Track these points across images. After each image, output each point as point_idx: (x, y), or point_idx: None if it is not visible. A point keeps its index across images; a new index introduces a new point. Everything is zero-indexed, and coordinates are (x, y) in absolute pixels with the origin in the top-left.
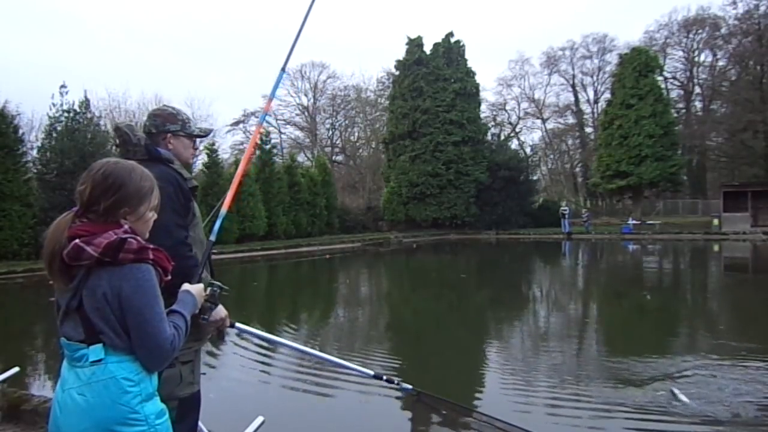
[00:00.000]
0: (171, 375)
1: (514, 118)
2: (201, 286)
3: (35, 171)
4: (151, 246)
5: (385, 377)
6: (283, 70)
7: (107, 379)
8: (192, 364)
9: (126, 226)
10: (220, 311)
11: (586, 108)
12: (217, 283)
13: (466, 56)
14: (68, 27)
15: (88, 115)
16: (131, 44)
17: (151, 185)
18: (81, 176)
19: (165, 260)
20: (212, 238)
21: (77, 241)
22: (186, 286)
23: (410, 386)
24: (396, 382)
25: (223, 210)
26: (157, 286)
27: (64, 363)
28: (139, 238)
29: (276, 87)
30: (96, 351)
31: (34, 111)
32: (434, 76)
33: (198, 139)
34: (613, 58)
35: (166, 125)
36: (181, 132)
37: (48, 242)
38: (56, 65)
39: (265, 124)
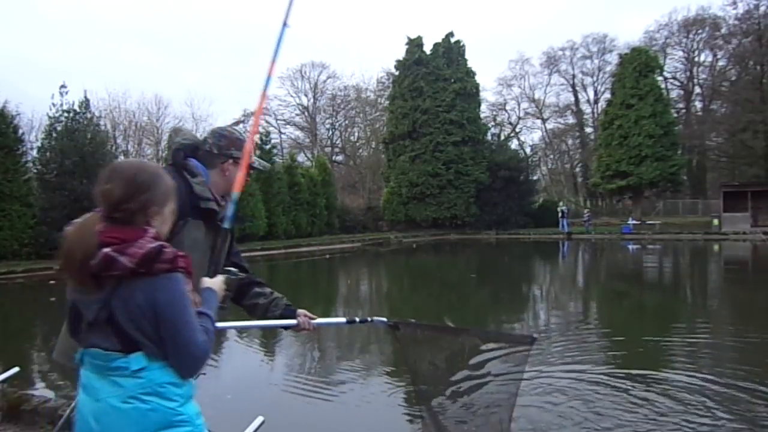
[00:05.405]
0: None
1: (514, 118)
2: (221, 278)
3: (35, 171)
4: (180, 252)
5: (358, 319)
6: (284, 24)
7: (153, 386)
8: None
9: (152, 231)
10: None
11: (586, 108)
12: (233, 269)
13: (466, 56)
14: (68, 27)
15: (88, 115)
16: (130, 44)
17: (175, 184)
18: (102, 175)
19: (191, 264)
20: (226, 225)
21: (107, 250)
22: (207, 281)
23: (384, 319)
24: (370, 319)
25: (235, 193)
26: (188, 294)
27: (88, 373)
28: (170, 246)
29: (278, 45)
30: (138, 359)
31: (34, 111)
32: (434, 76)
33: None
34: (613, 58)
35: (230, 149)
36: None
37: (72, 249)
38: (56, 65)
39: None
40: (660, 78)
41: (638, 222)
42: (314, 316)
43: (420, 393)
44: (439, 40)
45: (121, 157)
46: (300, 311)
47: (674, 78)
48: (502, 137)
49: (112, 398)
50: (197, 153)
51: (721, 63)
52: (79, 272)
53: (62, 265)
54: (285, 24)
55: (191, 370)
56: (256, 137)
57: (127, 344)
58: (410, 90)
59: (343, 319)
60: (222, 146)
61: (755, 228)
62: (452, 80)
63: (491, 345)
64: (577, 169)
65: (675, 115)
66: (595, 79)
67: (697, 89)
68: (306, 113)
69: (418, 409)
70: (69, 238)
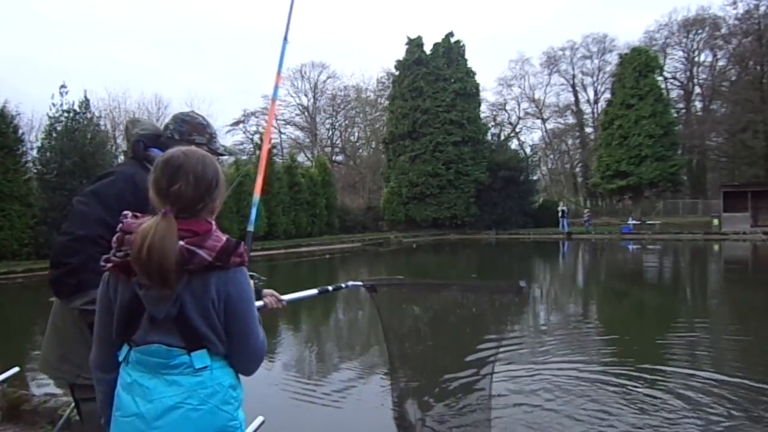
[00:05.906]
0: None
1: (514, 118)
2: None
3: (35, 171)
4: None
5: (331, 287)
6: (285, 39)
7: (215, 386)
8: None
9: (214, 224)
10: None
11: (586, 108)
12: (255, 274)
13: (466, 56)
14: (68, 27)
15: (88, 115)
16: (130, 44)
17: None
18: (162, 173)
19: None
20: (250, 228)
21: (182, 243)
22: None
23: (360, 282)
24: (344, 285)
25: (256, 197)
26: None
27: (135, 372)
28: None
29: (282, 58)
30: (201, 357)
31: (34, 111)
32: (434, 76)
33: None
34: (613, 58)
35: (193, 135)
36: (206, 147)
37: (158, 249)
38: (55, 65)
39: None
40: (660, 78)
41: (638, 222)
42: (281, 297)
43: (393, 359)
44: (439, 40)
45: (121, 158)
46: (266, 291)
47: (674, 78)
48: (502, 137)
49: (168, 398)
50: (158, 141)
51: (721, 63)
52: (158, 268)
53: (136, 263)
54: (285, 40)
55: (252, 368)
56: (257, 137)
57: (192, 341)
58: (410, 90)
59: (314, 291)
60: (184, 132)
61: (755, 228)
62: (452, 80)
63: (488, 338)
64: (577, 169)
65: (675, 115)
66: (595, 79)
67: (697, 89)
68: (306, 113)
69: (389, 378)
70: (146, 236)
